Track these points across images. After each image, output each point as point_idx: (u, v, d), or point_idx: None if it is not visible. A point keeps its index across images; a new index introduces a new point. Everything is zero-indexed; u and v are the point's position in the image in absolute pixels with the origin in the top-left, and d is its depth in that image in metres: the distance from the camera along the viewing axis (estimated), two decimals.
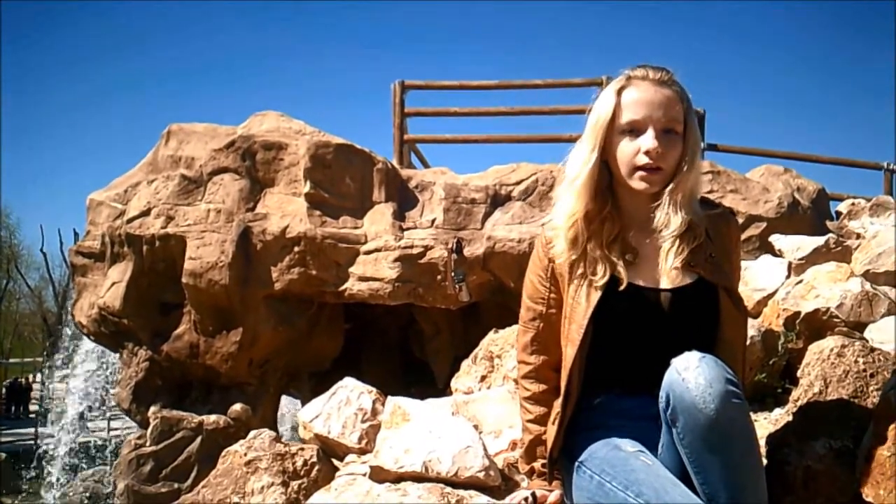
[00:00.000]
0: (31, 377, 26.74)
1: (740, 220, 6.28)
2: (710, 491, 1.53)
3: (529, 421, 1.91)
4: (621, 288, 1.74)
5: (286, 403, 9.19)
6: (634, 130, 1.74)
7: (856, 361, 2.14)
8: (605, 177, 1.78)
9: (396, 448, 2.26)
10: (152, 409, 7.37)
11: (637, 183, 1.74)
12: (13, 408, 24.16)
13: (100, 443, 10.48)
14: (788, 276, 3.31)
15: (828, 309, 2.88)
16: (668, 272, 1.73)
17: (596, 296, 1.74)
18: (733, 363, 1.62)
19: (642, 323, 1.74)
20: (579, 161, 1.78)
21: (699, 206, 1.79)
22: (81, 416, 9.15)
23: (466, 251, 6.86)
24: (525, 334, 1.92)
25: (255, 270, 7.06)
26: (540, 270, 1.88)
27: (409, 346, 8.33)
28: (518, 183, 7.36)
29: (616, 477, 1.61)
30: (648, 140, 1.71)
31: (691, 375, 1.51)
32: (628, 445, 1.67)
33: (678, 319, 1.73)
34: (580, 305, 1.76)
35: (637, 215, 1.79)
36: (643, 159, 1.72)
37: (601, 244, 1.76)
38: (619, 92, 1.76)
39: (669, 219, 1.72)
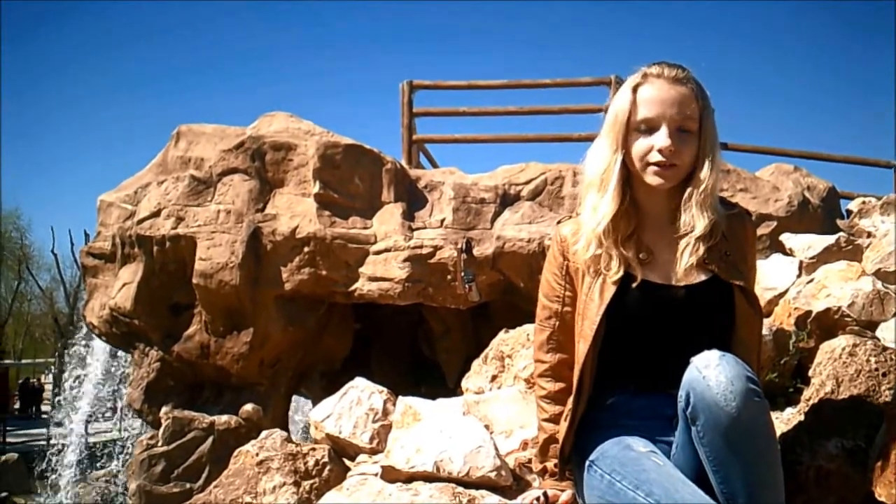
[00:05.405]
0: (42, 377, 26.91)
1: None
2: (728, 489, 1.53)
3: (545, 420, 1.90)
4: (635, 284, 1.74)
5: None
6: (649, 128, 1.74)
7: (868, 361, 2.13)
8: (624, 173, 1.78)
9: (408, 448, 2.27)
10: (164, 409, 7.40)
11: (651, 178, 1.74)
12: (25, 408, 24.31)
13: (111, 443, 10.53)
14: (799, 275, 3.29)
15: (839, 308, 2.86)
16: (683, 269, 1.73)
17: (609, 292, 1.74)
18: (748, 362, 1.62)
19: (656, 319, 1.74)
20: (602, 161, 1.78)
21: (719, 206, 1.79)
22: (93, 416, 9.21)
23: (476, 251, 6.87)
24: (541, 333, 1.92)
25: (265, 271, 7.08)
26: (555, 268, 1.88)
27: (419, 346, 8.33)
28: (527, 182, 7.36)
29: (626, 476, 1.60)
30: (662, 138, 1.72)
31: (712, 373, 1.50)
32: (640, 445, 1.67)
33: (692, 317, 1.73)
34: (594, 302, 1.76)
35: (653, 212, 1.80)
36: (656, 157, 1.72)
37: (616, 241, 1.76)
38: (635, 89, 1.77)
39: (695, 221, 1.72)
